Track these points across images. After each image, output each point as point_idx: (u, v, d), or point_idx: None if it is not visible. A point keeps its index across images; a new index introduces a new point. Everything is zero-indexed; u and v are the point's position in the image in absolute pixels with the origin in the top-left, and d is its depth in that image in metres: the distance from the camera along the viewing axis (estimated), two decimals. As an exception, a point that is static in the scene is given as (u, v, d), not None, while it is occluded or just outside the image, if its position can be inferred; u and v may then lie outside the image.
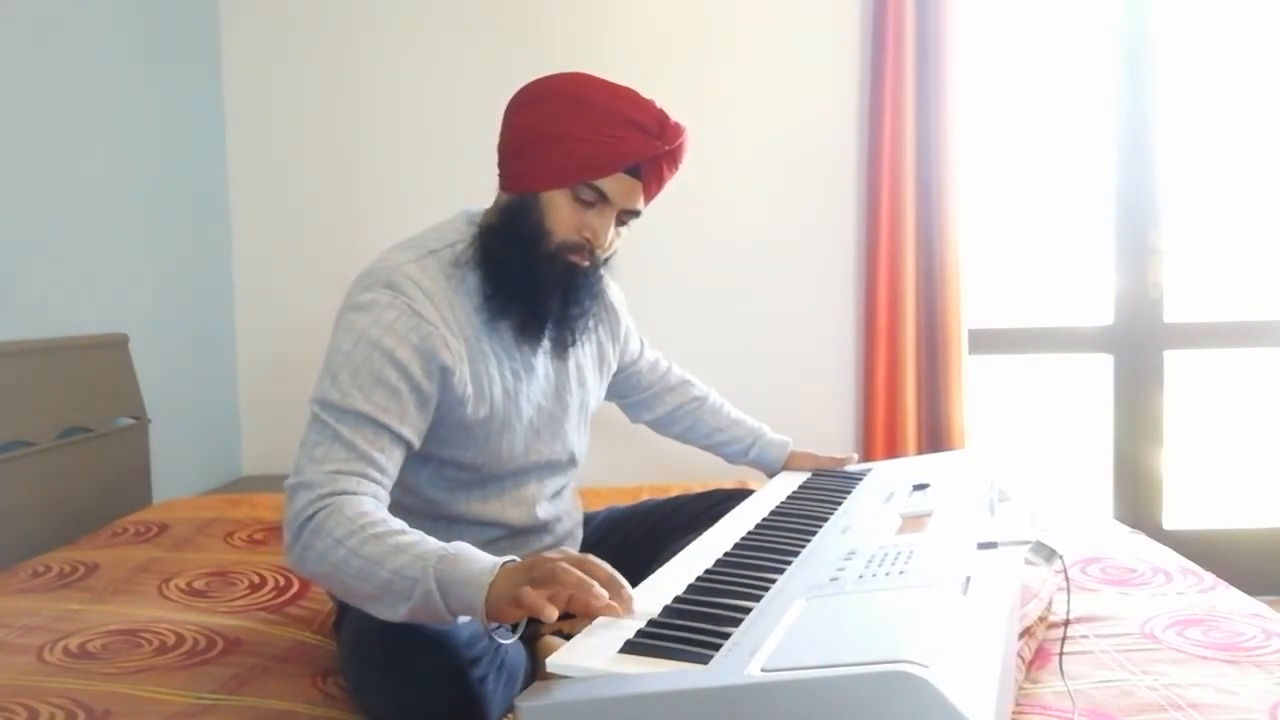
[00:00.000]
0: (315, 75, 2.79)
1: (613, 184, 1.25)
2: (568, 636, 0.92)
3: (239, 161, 2.80)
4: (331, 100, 2.79)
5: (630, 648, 0.86)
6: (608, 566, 0.98)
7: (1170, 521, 2.96)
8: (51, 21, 2.07)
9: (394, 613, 1.05)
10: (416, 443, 1.22)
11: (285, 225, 2.81)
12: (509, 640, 1.05)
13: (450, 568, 1.02)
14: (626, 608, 0.95)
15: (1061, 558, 1.14)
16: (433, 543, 1.06)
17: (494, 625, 1.02)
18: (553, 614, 0.93)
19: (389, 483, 1.18)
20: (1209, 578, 1.58)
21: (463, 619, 1.04)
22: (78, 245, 2.15)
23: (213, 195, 2.75)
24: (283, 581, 1.66)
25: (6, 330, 1.90)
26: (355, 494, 1.12)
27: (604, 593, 0.93)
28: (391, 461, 1.18)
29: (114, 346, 2.22)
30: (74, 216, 2.14)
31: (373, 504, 1.12)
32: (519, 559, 1.05)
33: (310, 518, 1.09)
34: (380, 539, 1.05)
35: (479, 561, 1.02)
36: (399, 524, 1.09)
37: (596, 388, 1.52)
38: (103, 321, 2.21)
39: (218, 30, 2.77)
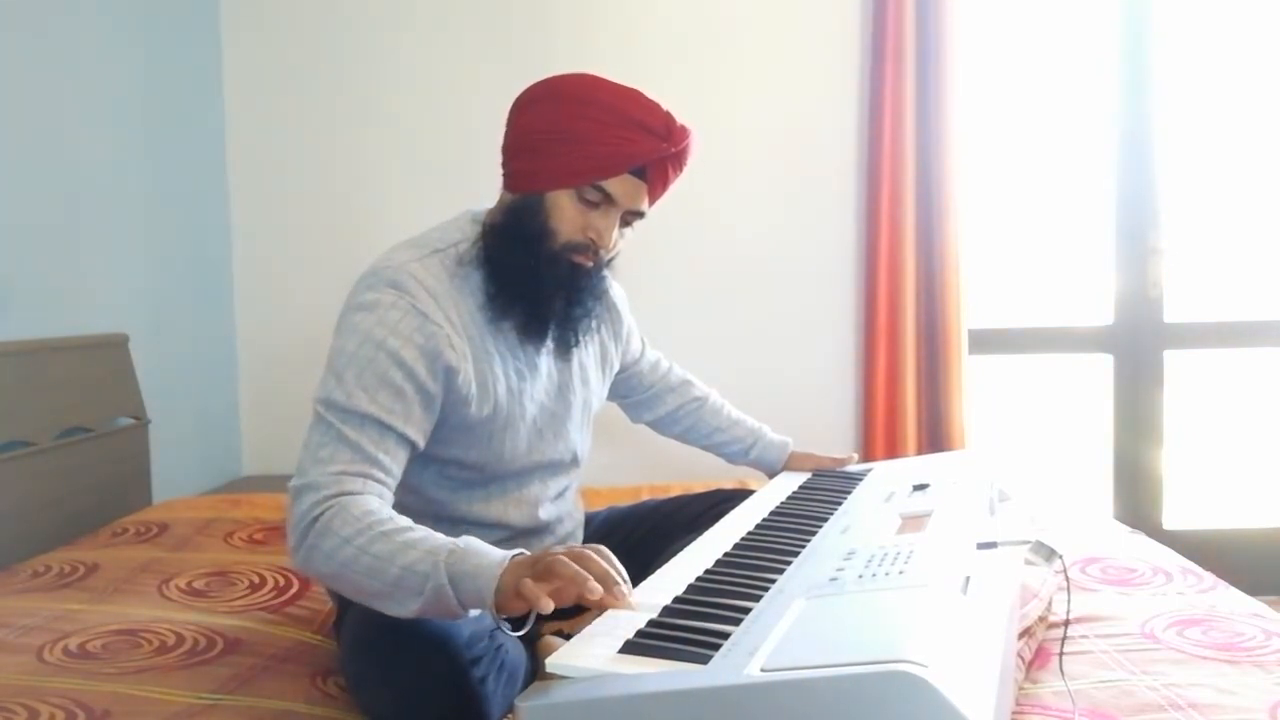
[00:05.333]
0: (316, 74, 2.79)
1: (618, 185, 1.25)
2: (568, 636, 0.92)
3: (239, 161, 2.80)
4: (332, 99, 2.79)
5: (630, 648, 0.86)
6: (605, 560, 0.98)
7: (1170, 521, 2.96)
8: (51, 21, 2.07)
9: (405, 609, 1.05)
10: (421, 443, 1.23)
11: (285, 225, 2.81)
12: (521, 632, 1.04)
13: (460, 561, 1.02)
14: (622, 602, 0.95)
15: (1061, 558, 1.14)
16: (441, 538, 1.06)
17: (503, 617, 1.02)
18: (548, 605, 0.94)
19: (393, 483, 1.18)
20: (1209, 578, 1.58)
21: (474, 612, 1.04)
22: (78, 245, 2.15)
23: (213, 195, 2.75)
24: (283, 581, 1.66)
25: (6, 330, 1.90)
26: (360, 494, 1.12)
27: (598, 586, 0.94)
28: (396, 462, 1.18)
29: (114, 346, 2.21)
30: (74, 216, 2.14)
31: (378, 502, 1.12)
32: (527, 552, 1.06)
33: (316, 519, 1.09)
34: (389, 536, 1.06)
35: (489, 555, 1.03)
36: (406, 521, 1.09)
37: (599, 387, 1.52)
38: (103, 321, 2.21)
39: (218, 30, 2.77)
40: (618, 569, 0.99)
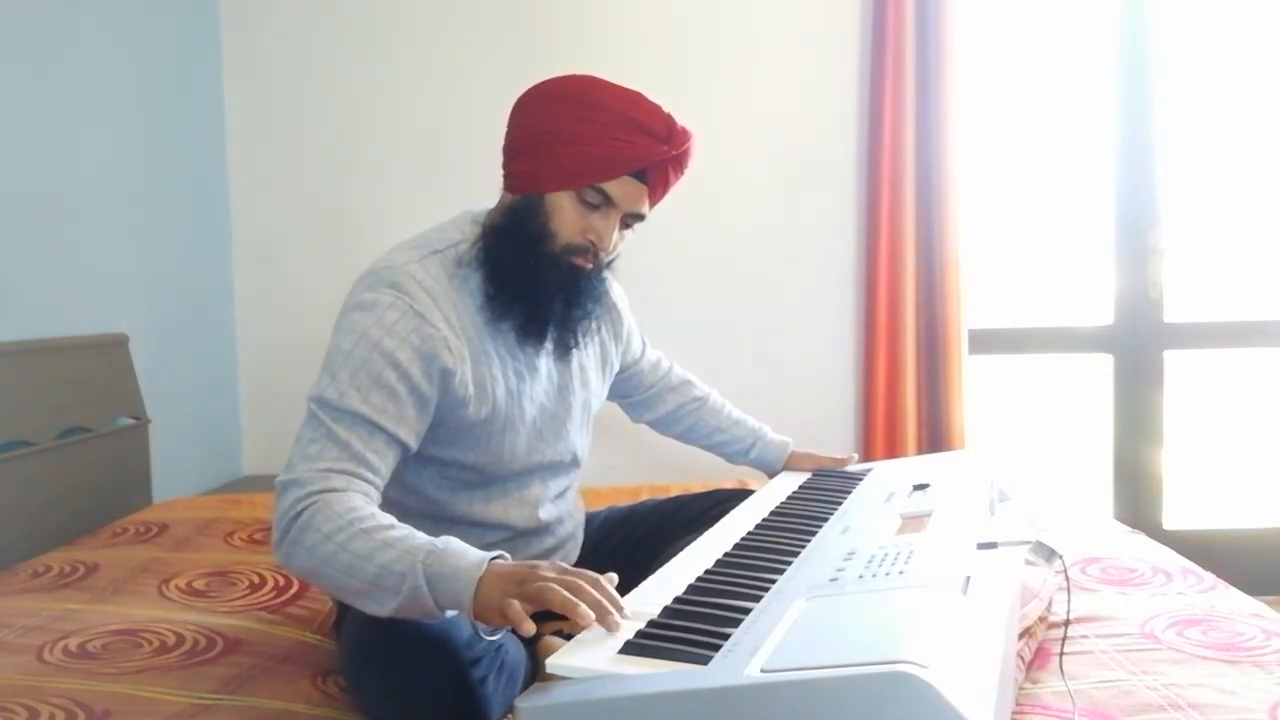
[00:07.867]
0: (316, 75, 2.79)
1: (618, 187, 1.25)
2: (568, 636, 0.92)
3: (239, 161, 2.80)
4: (332, 100, 2.79)
5: (630, 648, 0.86)
6: (596, 589, 0.95)
7: (1170, 521, 2.96)
8: (51, 20, 2.07)
9: (382, 608, 1.05)
10: (413, 444, 1.22)
11: (285, 225, 2.81)
12: (496, 637, 1.05)
13: (438, 562, 1.02)
14: (617, 629, 0.92)
15: (1061, 558, 1.14)
16: (421, 537, 1.06)
17: (481, 625, 1.02)
18: (530, 630, 0.93)
19: (381, 483, 1.18)
20: (1209, 578, 1.58)
21: (451, 613, 1.04)
22: (78, 245, 2.15)
23: (213, 195, 2.75)
24: (283, 581, 1.66)
25: (6, 330, 1.90)
26: (344, 491, 1.11)
27: (590, 613, 0.91)
28: (384, 463, 1.18)
29: (114, 346, 2.21)
30: (74, 216, 2.14)
31: (361, 500, 1.11)
32: (509, 556, 1.05)
33: (299, 514, 1.09)
34: (368, 534, 1.05)
35: (467, 556, 1.02)
36: (388, 519, 1.09)
37: (599, 388, 1.52)
38: (103, 321, 2.21)
39: (218, 30, 2.77)
40: (611, 596, 0.95)
